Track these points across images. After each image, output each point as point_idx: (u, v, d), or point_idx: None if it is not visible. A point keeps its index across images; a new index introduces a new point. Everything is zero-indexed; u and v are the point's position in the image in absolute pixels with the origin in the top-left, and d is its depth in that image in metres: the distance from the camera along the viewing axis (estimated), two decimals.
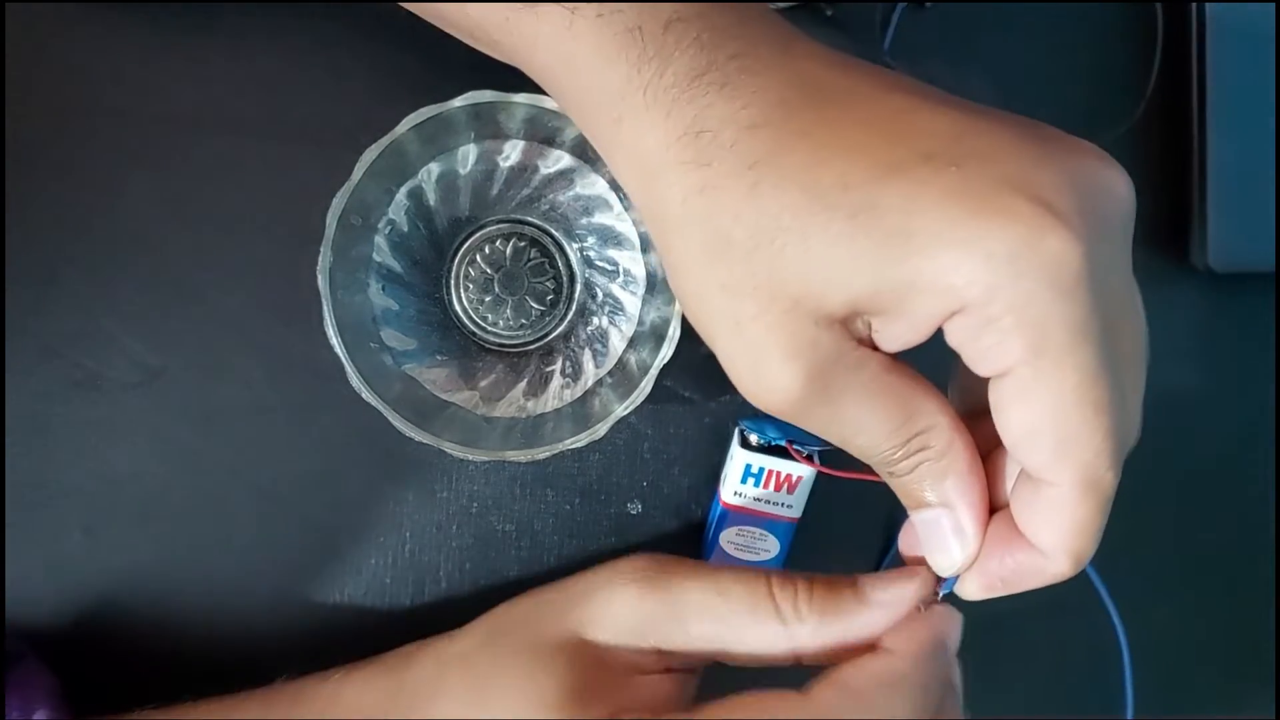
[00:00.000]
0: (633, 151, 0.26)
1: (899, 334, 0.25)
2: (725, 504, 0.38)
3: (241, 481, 0.38)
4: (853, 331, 0.25)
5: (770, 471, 0.37)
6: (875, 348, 0.26)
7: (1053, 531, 0.26)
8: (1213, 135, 0.39)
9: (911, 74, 0.39)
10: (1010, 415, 0.25)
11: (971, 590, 0.28)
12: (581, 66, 0.26)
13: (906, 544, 0.30)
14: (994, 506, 0.28)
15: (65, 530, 0.37)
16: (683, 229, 0.26)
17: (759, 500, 0.37)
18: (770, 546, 0.38)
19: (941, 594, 0.29)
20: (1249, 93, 0.39)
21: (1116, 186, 0.25)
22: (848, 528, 0.40)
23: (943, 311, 0.24)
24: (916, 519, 0.28)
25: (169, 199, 0.37)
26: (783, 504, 0.37)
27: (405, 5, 0.30)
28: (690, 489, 0.40)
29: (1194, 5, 0.39)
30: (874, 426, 0.26)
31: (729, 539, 0.38)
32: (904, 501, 0.28)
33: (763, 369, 0.26)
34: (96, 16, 0.37)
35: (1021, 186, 0.23)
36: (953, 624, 0.30)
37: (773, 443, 0.37)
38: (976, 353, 0.24)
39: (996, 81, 0.40)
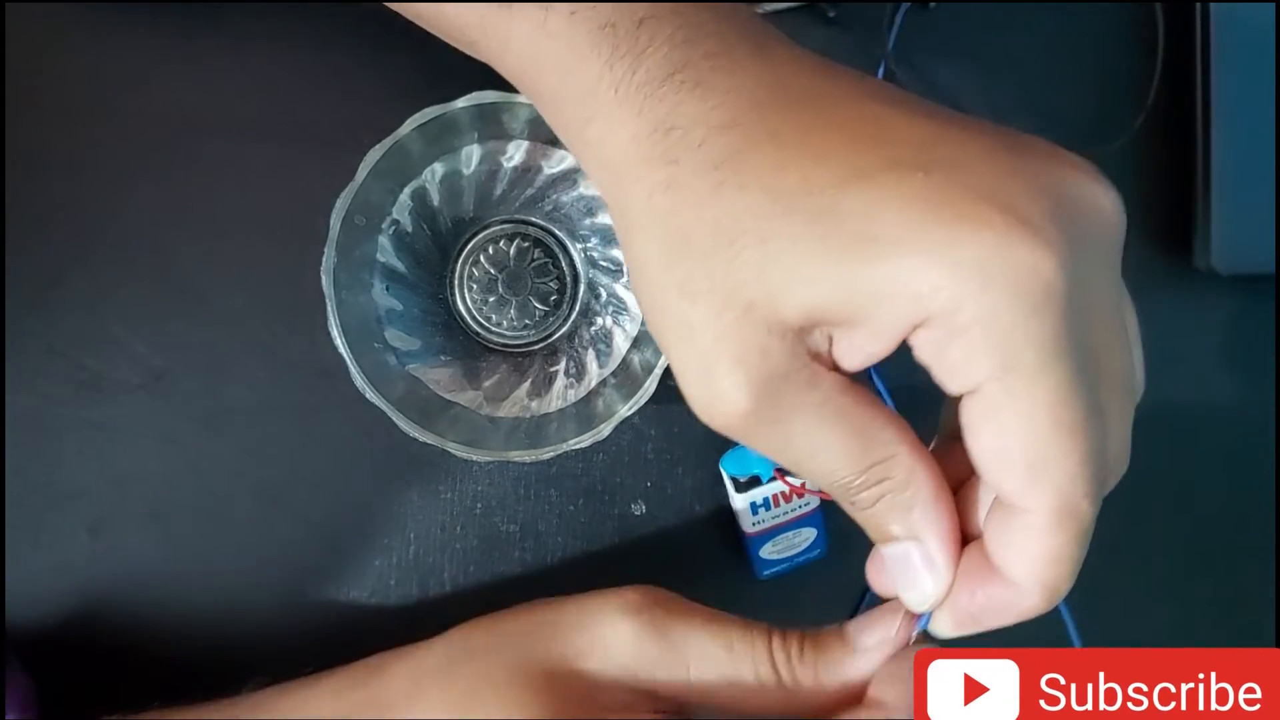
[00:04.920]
0: (602, 149, 0.26)
1: (861, 344, 0.24)
2: (749, 533, 0.37)
3: (245, 482, 0.38)
4: (810, 345, 0.24)
5: (775, 495, 0.36)
6: (834, 368, 0.25)
7: (1025, 562, 0.24)
8: (1216, 136, 0.39)
9: (914, 75, 0.39)
10: (979, 435, 0.23)
11: (944, 627, 0.27)
12: (554, 66, 0.26)
13: (875, 578, 0.28)
14: (967, 537, 0.27)
15: (70, 531, 0.37)
16: (644, 227, 0.25)
17: (778, 516, 0.37)
18: (808, 535, 0.38)
19: (916, 631, 0.28)
20: (1252, 94, 0.39)
21: (1100, 201, 0.24)
22: None
23: (906, 321, 0.23)
24: (886, 553, 0.27)
25: (172, 200, 0.37)
26: (803, 504, 0.37)
27: (389, 5, 0.30)
28: (694, 489, 0.40)
29: (1197, 6, 0.39)
30: (828, 451, 0.25)
31: (767, 551, 0.38)
32: (871, 536, 0.27)
33: (711, 379, 0.24)
34: (97, 16, 0.37)
35: (991, 195, 0.22)
36: None
37: (765, 479, 0.36)
38: (944, 368, 0.23)
39: (1000, 82, 0.40)
